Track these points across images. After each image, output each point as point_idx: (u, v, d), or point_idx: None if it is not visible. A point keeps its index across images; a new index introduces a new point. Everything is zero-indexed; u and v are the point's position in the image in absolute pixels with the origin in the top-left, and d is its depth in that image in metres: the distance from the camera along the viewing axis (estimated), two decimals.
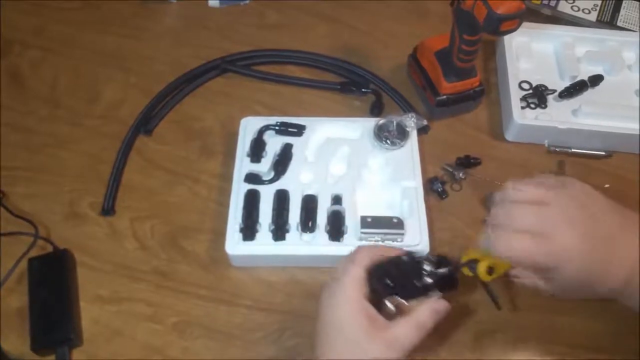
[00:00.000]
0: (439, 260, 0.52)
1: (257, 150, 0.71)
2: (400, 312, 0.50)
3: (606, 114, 0.76)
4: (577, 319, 0.63)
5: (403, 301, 0.50)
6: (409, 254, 0.52)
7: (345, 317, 0.48)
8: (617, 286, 0.48)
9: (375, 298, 0.50)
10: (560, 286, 0.49)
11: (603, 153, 0.76)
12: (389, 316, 0.49)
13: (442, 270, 0.51)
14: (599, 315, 0.63)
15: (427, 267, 0.51)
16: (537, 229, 0.47)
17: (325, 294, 0.50)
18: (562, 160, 0.75)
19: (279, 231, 0.64)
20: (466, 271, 0.51)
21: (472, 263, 0.50)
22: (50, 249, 0.66)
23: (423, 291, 0.50)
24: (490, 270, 0.50)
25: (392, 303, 0.50)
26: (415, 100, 0.81)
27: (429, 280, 0.50)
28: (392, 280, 0.50)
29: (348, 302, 0.48)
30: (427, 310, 0.49)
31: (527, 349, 0.61)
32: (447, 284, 0.51)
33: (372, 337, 0.47)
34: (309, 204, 0.67)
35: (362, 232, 0.63)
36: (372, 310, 0.48)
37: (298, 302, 0.64)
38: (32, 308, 0.61)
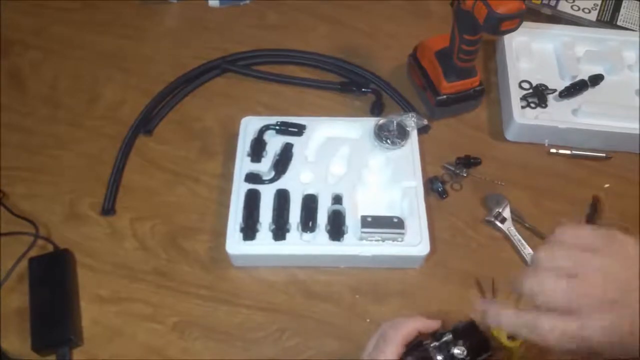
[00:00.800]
0: (469, 334, 0.48)
1: (257, 150, 0.71)
2: None
3: (606, 114, 0.76)
4: None
5: None
6: (437, 337, 0.48)
7: None
8: None
9: None
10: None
11: (603, 155, 0.76)
12: None
13: (482, 358, 0.48)
14: None
15: (457, 352, 0.47)
16: (566, 307, 0.40)
17: None
18: (596, 196, 0.70)
19: (280, 231, 0.64)
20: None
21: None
22: (50, 249, 0.66)
23: None
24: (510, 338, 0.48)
25: None
26: (415, 100, 0.81)
27: None
28: None
29: None
30: None
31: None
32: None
33: None
34: (310, 204, 0.67)
35: (362, 232, 0.63)
36: None
37: (298, 302, 0.64)
38: (33, 308, 0.61)
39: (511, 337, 0.48)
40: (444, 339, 0.48)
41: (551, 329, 0.40)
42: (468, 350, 0.47)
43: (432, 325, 0.50)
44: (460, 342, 0.47)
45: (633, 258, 0.41)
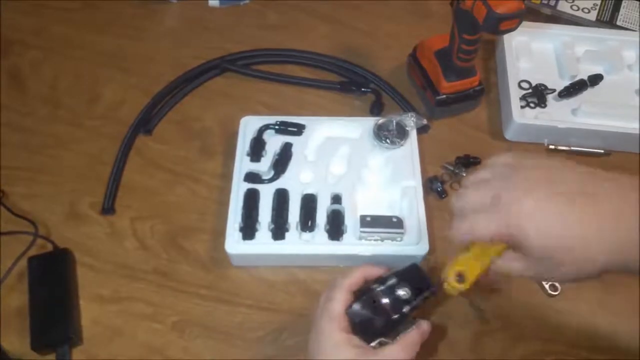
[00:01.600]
0: (412, 276, 0.52)
1: (257, 149, 0.71)
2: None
3: (606, 114, 0.76)
4: (577, 318, 0.63)
5: (388, 340, 0.50)
6: (382, 281, 0.52)
7: (334, 355, 0.49)
8: (604, 252, 0.42)
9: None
10: (537, 262, 0.45)
11: (602, 151, 0.76)
12: None
13: (423, 296, 0.51)
14: (599, 315, 0.63)
15: (401, 293, 0.51)
16: (490, 204, 0.44)
17: (311, 337, 0.52)
18: None
19: (279, 230, 0.64)
20: (449, 290, 0.49)
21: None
22: (50, 248, 0.66)
23: (405, 320, 0.51)
24: (460, 277, 0.47)
25: (378, 344, 0.50)
26: (415, 100, 0.81)
27: (407, 308, 0.51)
28: (373, 327, 0.50)
29: (332, 343, 0.49)
30: (413, 335, 0.50)
31: (527, 349, 0.61)
32: (426, 297, 0.52)
33: (364, 357, 0.48)
34: (309, 203, 0.67)
35: (361, 231, 0.63)
36: (357, 340, 0.49)
37: (298, 301, 0.64)
38: (32, 307, 0.61)
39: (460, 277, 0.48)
40: (389, 282, 0.51)
41: (482, 223, 0.45)
42: (412, 291, 0.51)
43: (377, 271, 0.54)
44: (404, 283, 0.51)
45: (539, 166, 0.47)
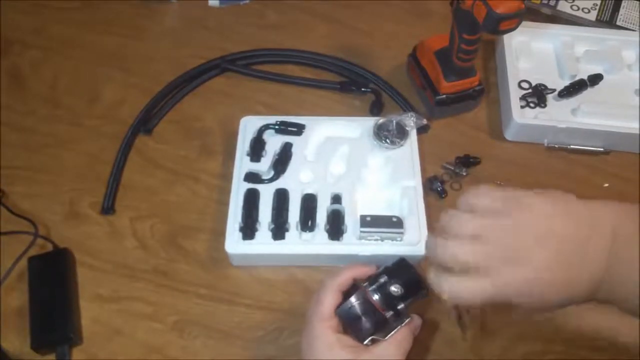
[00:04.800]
0: (402, 272, 0.52)
1: (257, 149, 0.71)
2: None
3: (606, 113, 0.76)
4: (577, 318, 0.63)
5: (380, 337, 0.50)
6: (372, 280, 0.52)
7: (327, 356, 0.49)
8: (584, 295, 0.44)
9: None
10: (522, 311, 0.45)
11: (602, 149, 0.76)
12: None
13: (418, 296, 0.51)
14: (600, 315, 0.62)
15: (393, 289, 0.51)
16: (477, 267, 0.43)
17: (303, 339, 0.52)
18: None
19: (279, 230, 0.64)
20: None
21: None
22: (50, 248, 0.66)
23: (397, 317, 0.51)
24: None
25: (370, 342, 0.50)
26: (415, 100, 0.81)
27: (401, 306, 0.51)
28: (364, 325, 0.50)
29: (325, 344, 0.49)
30: (405, 330, 0.50)
31: (527, 349, 0.61)
32: (419, 298, 0.52)
33: (357, 358, 0.48)
34: (309, 203, 0.67)
35: (361, 231, 0.63)
36: (348, 340, 0.50)
37: (297, 301, 0.64)
38: (32, 307, 0.61)
39: None
40: (380, 280, 0.51)
41: (469, 289, 0.43)
42: (404, 287, 0.51)
43: (366, 271, 0.53)
44: (395, 280, 0.51)
45: (537, 217, 0.44)
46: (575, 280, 0.44)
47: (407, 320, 0.51)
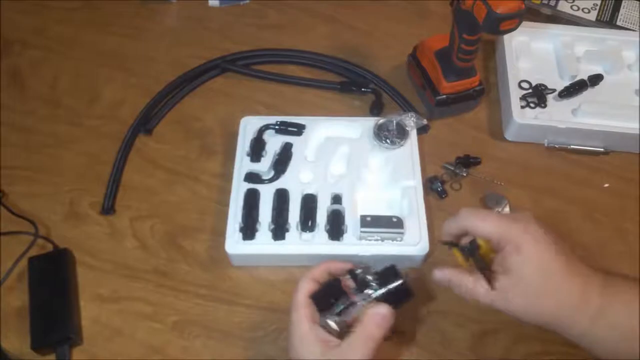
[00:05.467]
0: (387, 271, 0.52)
1: (257, 149, 0.71)
2: (351, 325, 0.51)
3: (606, 114, 0.76)
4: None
5: (343, 318, 0.51)
6: (352, 272, 0.53)
7: (302, 351, 0.50)
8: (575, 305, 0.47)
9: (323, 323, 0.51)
10: (519, 284, 0.48)
11: (602, 149, 0.76)
12: (342, 333, 0.50)
13: (392, 286, 0.51)
14: None
15: (369, 277, 0.52)
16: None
17: (288, 331, 0.52)
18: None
19: (279, 230, 0.64)
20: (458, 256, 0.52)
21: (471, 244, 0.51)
22: (50, 248, 0.66)
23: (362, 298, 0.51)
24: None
25: (335, 323, 0.50)
26: (415, 100, 0.81)
27: (370, 291, 0.51)
28: (329, 299, 0.51)
29: (301, 337, 0.50)
30: (370, 322, 0.50)
31: (527, 349, 0.61)
32: (400, 297, 0.52)
33: (325, 357, 0.48)
34: (309, 203, 0.67)
35: (361, 231, 0.63)
36: (323, 334, 0.50)
37: None
38: (32, 307, 0.61)
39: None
40: (358, 271, 0.53)
41: (484, 289, 0.49)
42: (379, 278, 0.52)
43: (341, 266, 0.54)
44: (374, 274, 0.52)
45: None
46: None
47: (374, 308, 0.50)
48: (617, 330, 0.47)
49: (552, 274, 0.47)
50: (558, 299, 0.47)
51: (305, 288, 0.52)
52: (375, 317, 0.50)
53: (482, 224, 0.50)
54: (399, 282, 0.51)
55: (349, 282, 0.52)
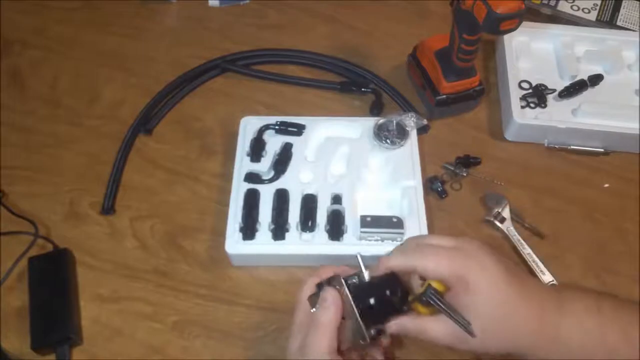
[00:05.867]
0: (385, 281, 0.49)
1: (257, 149, 0.71)
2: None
3: (606, 114, 0.76)
4: None
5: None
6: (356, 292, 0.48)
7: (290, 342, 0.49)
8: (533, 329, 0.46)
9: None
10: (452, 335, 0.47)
11: (602, 150, 0.76)
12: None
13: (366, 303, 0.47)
14: None
15: (367, 276, 0.49)
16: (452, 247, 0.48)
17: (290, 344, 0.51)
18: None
19: (279, 230, 0.64)
20: (420, 308, 0.48)
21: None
22: (50, 248, 0.66)
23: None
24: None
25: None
26: (415, 100, 0.81)
27: (373, 331, 0.48)
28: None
29: (292, 328, 0.50)
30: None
31: None
32: (387, 310, 0.48)
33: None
34: (309, 204, 0.67)
35: (361, 232, 0.63)
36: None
37: None
38: (32, 307, 0.61)
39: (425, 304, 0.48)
40: (362, 297, 0.48)
41: (440, 331, 0.47)
42: (382, 306, 0.48)
43: (348, 271, 0.52)
44: (375, 297, 0.48)
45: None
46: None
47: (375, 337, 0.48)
48: (569, 347, 0.46)
49: (506, 303, 0.46)
50: (516, 328, 0.46)
51: (309, 285, 0.52)
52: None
53: (432, 265, 0.47)
54: (394, 290, 0.48)
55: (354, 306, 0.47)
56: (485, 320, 0.46)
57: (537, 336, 0.46)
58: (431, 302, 0.46)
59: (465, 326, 0.45)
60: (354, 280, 0.49)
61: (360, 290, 0.48)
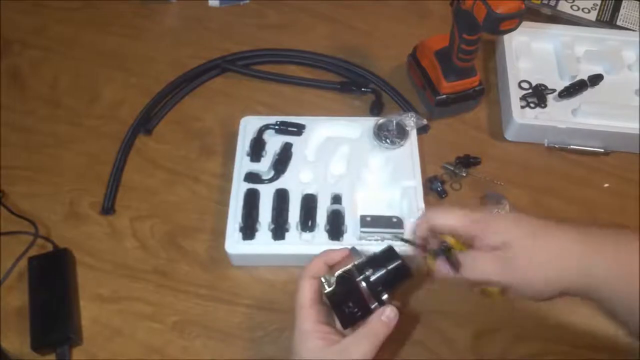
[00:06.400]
0: (385, 254, 0.51)
1: (257, 149, 0.71)
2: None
3: (606, 114, 0.76)
4: (578, 318, 0.63)
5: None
6: (360, 269, 0.51)
7: (302, 347, 0.49)
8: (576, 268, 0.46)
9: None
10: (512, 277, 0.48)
11: (602, 150, 0.76)
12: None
13: (391, 267, 0.50)
14: (599, 315, 0.62)
15: (368, 274, 0.50)
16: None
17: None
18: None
19: (279, 230, 0.64)
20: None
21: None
22: (50, 248, 0.66)
23: (375, 301, 0.50)
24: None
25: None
26: (415, 100, 0.81)
27: (385, 296, 0.50)
28: (349, 311, 0.50)
29: (302, 335, 0.50)
30: (377, 321, 0.49)
31: (527, 348, 0.61)
32: (398, 277, 0.51)
33: (324, 353, 0.48)
34: (309, 203, 0.67)
35: (361, 231, 0.63)
36: (325, 328, 0.50)
37: None
38: (32, 307, 0.61)
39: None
40: (367, 270, 0.50)
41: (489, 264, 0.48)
42: (389, 276, 0.50)
43: (336, 255, 0.53)
44: (381, 269, 0.50)
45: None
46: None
47: (383, 307, 0.49)
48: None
49: (542, 227, 0.47)
50: (562, 269, 0.46)
51: (306, 287, 0.51)
52: (381, 319, 0.49)
53: (451, 220, 0.50)
54: (397, 262, 0.51)
55: (362, 286, 0.50)
56: (525, 271, 0.47)
57: (608, 267, 0.45)
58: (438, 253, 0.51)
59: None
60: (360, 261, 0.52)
61: (369, 264, 0.51)
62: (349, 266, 0.51)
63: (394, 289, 0.51)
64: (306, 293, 0.51)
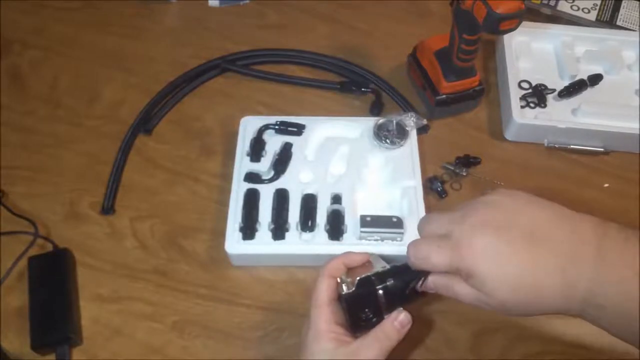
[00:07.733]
0: (406, 269, 0.50)
1: (256, 149, 0.71)
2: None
3: (606, 113, 0.76)
4: (578, 318, 0.63)
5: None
6: (381, 279, 0.50)
7: (314, 348, 0.49)
8: (560, 295, 0.44)
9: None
10: (487, 297, 0.45)
11: (602, 149, 0.76)
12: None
13: (402, 285, 0.49)
14: None
15: (389, 284, 0.50)
16: (444, 236, 0.46)
17: (303, 333, 0.51)
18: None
19: (279, 230, 0.64)
20: None
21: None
22: (50, 248, 0.66)
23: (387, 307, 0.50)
24: None
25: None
26: (415, 100, 0.81)
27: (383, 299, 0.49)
28: (363, 319, 0.50)
29: (316, 334, 0.49)
30: (389, 326, 0.49)
31: (526, 349, 0.61)
32: (416, 294, 0.50)
33: (335, 353, 0.48)
34: (309, 203, 0.67)
35: (361, 231, 0.63)
36: (338, 329, 0.49)
37: (297, 301, 0.64)
38: (32, 307, 0.61)
39: None
40: (388, 281, 0.50)
41: (465, 292, 0.46)
42: (407, 291, 0.50)
43: (358, 258, 0.53)
44: (401, 282, 0.50)
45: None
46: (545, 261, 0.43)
47: (396, 311, 0.49)
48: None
49: (517, 276, 0.43)
50: (539, 296, 0.44)
51: (324, 286, 0.51)
52: (395, 321, 0.49)
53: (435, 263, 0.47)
54: (420, 280, 0.49)
55: (380, 295, 0.49)
56: (501, 295, 0.44)
57: (568, 296, 0.43)
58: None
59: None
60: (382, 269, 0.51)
61: (390, 274, 0.50)
62: (371, 272, 0.50)
63: (409, 303, 0.50)
64: (324, 291, 0.51)
